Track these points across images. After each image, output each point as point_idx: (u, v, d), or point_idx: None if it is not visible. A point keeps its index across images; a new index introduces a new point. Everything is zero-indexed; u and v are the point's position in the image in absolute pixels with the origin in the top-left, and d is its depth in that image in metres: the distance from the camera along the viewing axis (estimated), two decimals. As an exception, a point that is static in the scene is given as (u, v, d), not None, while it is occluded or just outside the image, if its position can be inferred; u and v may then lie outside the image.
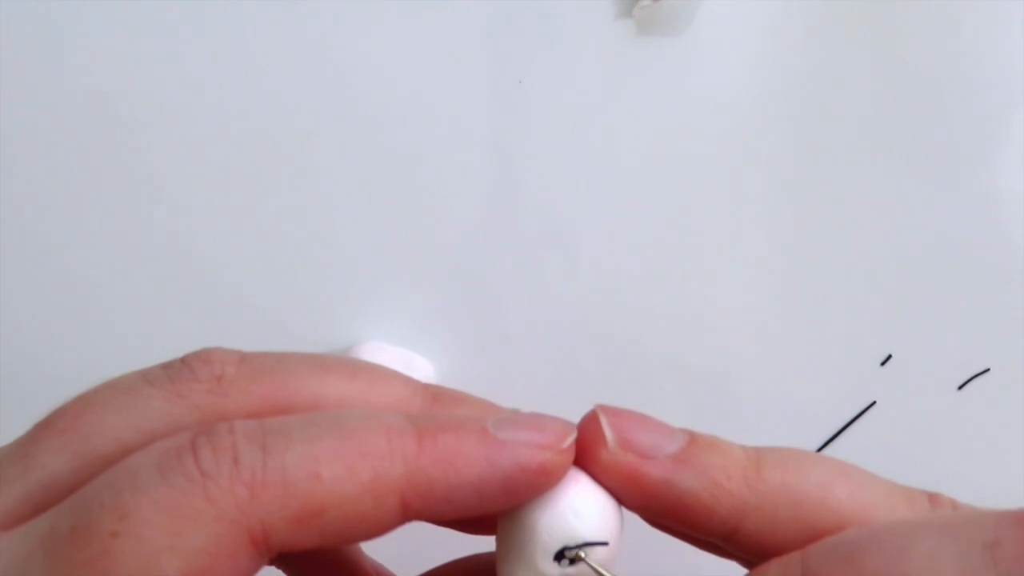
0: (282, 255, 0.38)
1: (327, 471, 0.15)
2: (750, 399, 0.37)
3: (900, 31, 0.38)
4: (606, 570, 0.17)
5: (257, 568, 0.15)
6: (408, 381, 0.18)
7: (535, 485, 0.16)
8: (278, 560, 0.22)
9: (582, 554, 0.17)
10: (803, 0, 0.38)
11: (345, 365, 0.18)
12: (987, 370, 0.36)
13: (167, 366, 0.17)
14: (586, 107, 0.39)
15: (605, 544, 0.17)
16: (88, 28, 0.38)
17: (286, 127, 0.38)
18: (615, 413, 0.17)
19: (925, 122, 0.38)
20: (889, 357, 0.37)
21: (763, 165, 0.38)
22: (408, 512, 0.15)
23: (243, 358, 0.18)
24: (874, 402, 0.36)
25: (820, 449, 0.36)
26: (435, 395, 0.18)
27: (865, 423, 0.36)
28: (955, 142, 0.38)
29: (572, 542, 0.17)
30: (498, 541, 0.18)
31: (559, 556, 0.17)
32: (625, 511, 0.18)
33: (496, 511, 0.17)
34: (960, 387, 0.36)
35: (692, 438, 0.17)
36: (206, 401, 0.17)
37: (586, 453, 0.17)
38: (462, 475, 0.15)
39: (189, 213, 0.38)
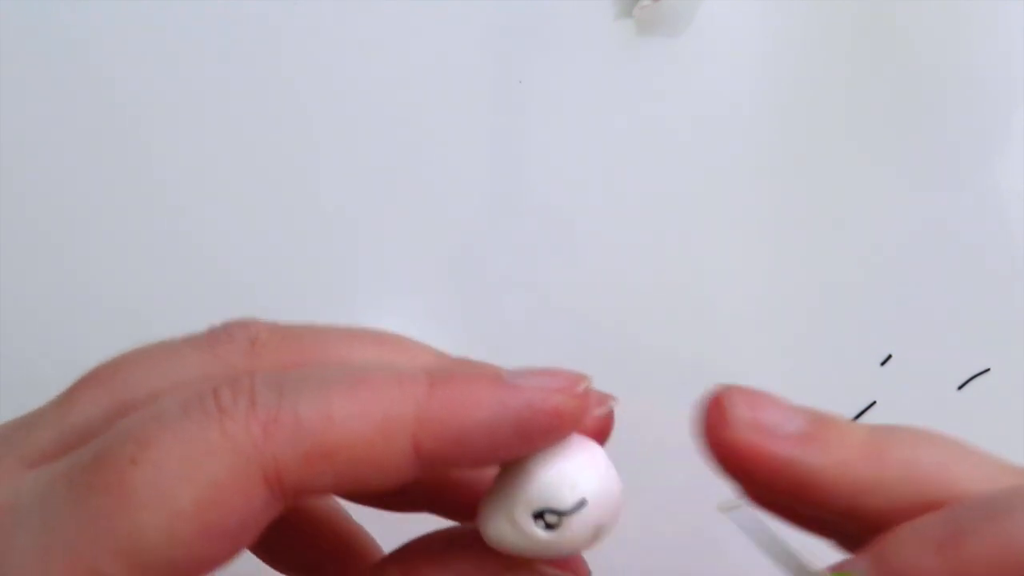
0: (282, 254, 0.38)
1: (339, 412, 0.15)
2: (750, 399, 0.37)
3: (900, 31, 0.38)
4: (587, 546, 0.17)
5: (271, 512, 0.15)
6: (435, 351, 0.19)
7: (548, 429, 0.16)
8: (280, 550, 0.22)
9: (555, 520, 0.16)
10: (803, 0, 0.38)
11: (374, 334, 0.19)
12: (987, 370, 0.36)
13: (207, 330, 0.18)
14: (586, 107, 0.39)
15: (585, 520, 0.17)
16: (89, 25, 0.38)
17: (285, 126, 0.38)
18: (739, 392, 0.18)
19: (925, 122, 0.38)
20: (889, 357, 0.37)
21: (763, 165, 0.38)
22: (421, 455, 0.15)
23: (277, 325, 0.18)
24: (874, 402, 0.36)
25: (820, 449, 0.36)
26: (461, 364, 0.19)
27: (865, 423, 0.36)
28: (956, 142, 0.38)
29: (558, 508, 0.16)
30: (489, 489, 0.17)
31: (539, 516, 0.17)
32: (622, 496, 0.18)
33: (508, 458, 0.17)
34: (960, 387, 0.36)
35: (816, 417, 0.18)
36: (239, 360, 0.18)
37: (710, 432, 0.18)
38: (474, 417, 0.15)
39: (189, 212, 0.38)
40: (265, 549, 0.22)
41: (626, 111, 0.38)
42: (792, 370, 0.37)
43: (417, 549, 0.18)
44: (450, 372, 0.16)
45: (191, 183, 0.38)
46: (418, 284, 0.38)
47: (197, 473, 0.15)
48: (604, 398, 0.18)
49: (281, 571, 0.23)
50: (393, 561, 0.18)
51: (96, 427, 0.17)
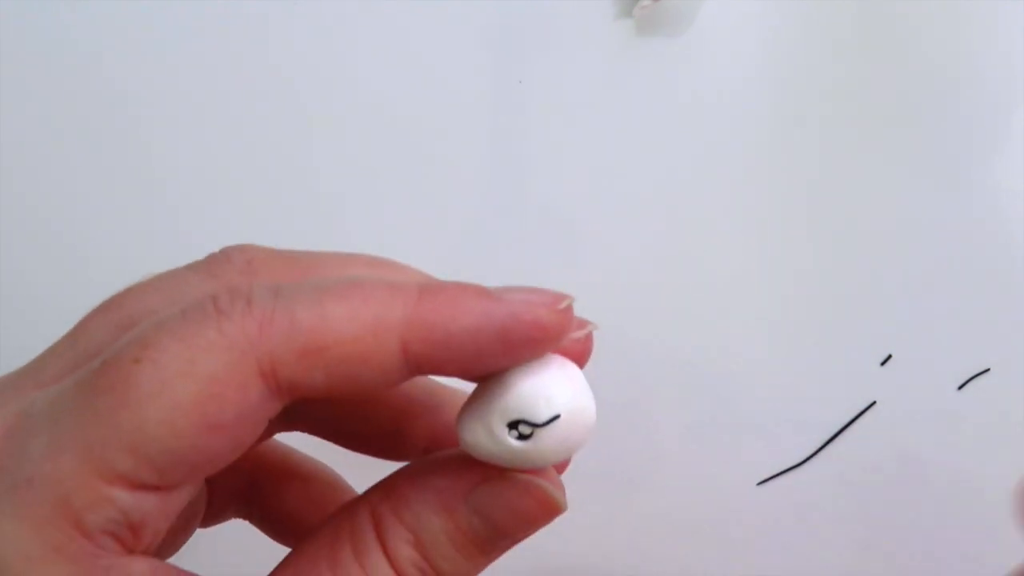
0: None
1: (331, 312, 0.16)
2: (750, 399, 0.37)
3: (900, 31, 0.39)
4: (556, 460, 0.18)
5: (270, 407, 0.16)
6: (426, 274, 0.20)
7: (529, 339, 0.17)
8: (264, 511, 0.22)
9: (528, 431, 0.17)
10: (803, 0, 0.38)
11: (367, 257, 0.20)
12: (987, 370, 0.36)
13: (207, 256, 0.19)
14: (586, 107, 0.39)
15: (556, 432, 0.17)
16: (90, 24, 0.38)
17: (285, 126, 0.39)
18: None
19: (925, 121, 0.38)
20: (889, 357, 0.37)
21: (763, 165, 0.38)
22: (408, 357, 0.16)
23: (273, 249, 0.19)
24: (874, 402, 0.36)
25: (820, 449, 0.36)
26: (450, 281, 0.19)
27: (865, 423, 0.36)
28: (956, 141, 0.38)
29: (532, 420, 0.17)
30: (469, 398, 0.18)
31: (513, 426, 0.17)
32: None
33: (492, 367, 0.17)
34: (960, 387, 0.36)
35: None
36: (237, 280, 0.18)
37: None
38: (459, 322, 0.16)
39: (187, 207, 0.38)
40: (259, 518, 0.23)
41: (626, 111, 0.38)
42: (792, 370, 0.37)
43: (397, 474, 0.19)
44: (439, 284, 0.17)
45: (192, 179, 0.38)
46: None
47: (196, 368, 0.15)
48: (584, 323, 0.18)
49: (281, 540, 0.23)
50: (375, 488, 0.19)
51: (103, 348, 0.17)
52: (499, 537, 0.18)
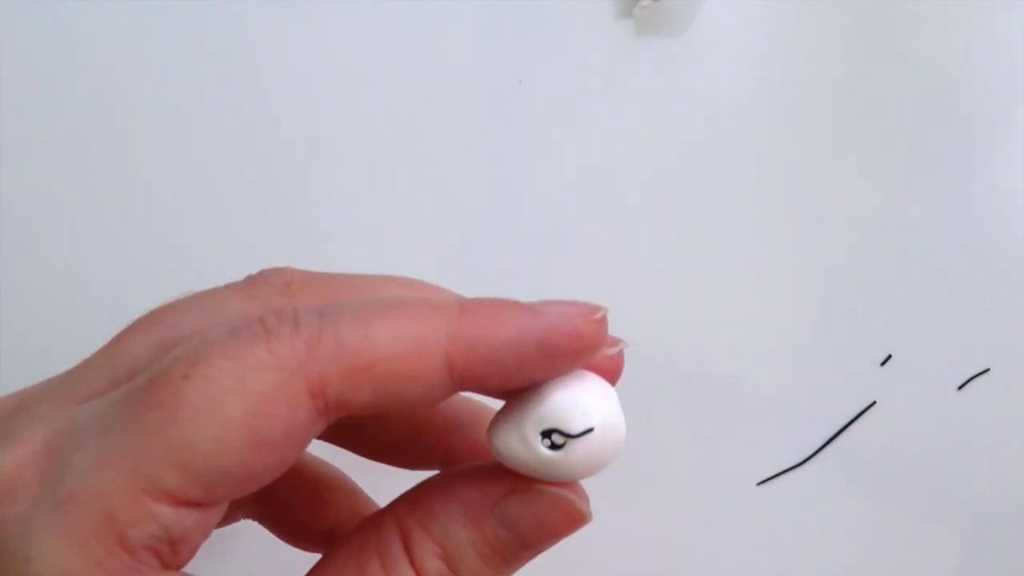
0: (282, 252, 0.38)
1: (376, 332, 0.16)
2: (749, 399, 0.37)
3: (900, 31, 0.39)
4: (585, 474, 0.18)
5: (316, 425, 0.16)
6: (458, 295, 0.20)
7: (568, 349, 0.17)
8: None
9: (561, 441, 0.17)
10: (803, 0, 0.38)
11: (402, 279, 0.20)
12: (987, 370, 0.36)
13: (245, 277, 0.20)
14: (586, 107, 0.39)
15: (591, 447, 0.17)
16: (88, 24, 0.38)
17: (284, 126, 0.39)
18: None
19: (925, 121, 0.38)
20: (889, 357, 0.37)
21: (763, 165, 0.38)
22: (454, 373, 0.17)
23: (309, 272, 0.20)
24: (874, 402, 0.36)
25: (820, 449, 0.36)
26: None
27: (865, 423, 0.36)
28: (956, 141, 0.38)
29: (567, 430, 0.17)
30: (503, 407, 0.18)
31: (547, 434, 0.17)
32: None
33: (533, 378, 0.18)
34: (960, 387, 0.36)
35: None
36: (275, 301, 0.19)
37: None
38: (501, 336, 0.17)
39: (186, 212, 0.38)
40: (270, 520, 0.23)
41: (626, 111, 0.38)
42: (792, 370, 0.37)
43: (422, 486, 0.19)
44: (478, 300, 0.17)
45: (188, 183, 0.38)
46: (418, 284, 0.38)
47: (246, 386, 0.15)
48: (616, 340, 0.19)
49: (292, 542, 0.23)
50: (401, 500, 0.19)
51: (144, 366, 0.17)
52: (524, 547, 0.18)
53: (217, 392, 0.15)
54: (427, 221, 0.38)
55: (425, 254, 0.38)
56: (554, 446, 0.17)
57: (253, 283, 0.19)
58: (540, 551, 0.19)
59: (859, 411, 0.36)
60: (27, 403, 0.17)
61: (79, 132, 0.38)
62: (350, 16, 0.39)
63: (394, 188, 0.38)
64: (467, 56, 0.39)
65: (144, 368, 0.17)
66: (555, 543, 0.19)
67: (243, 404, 0.15)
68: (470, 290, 0.39)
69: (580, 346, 0.17)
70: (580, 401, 0.18)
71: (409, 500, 0.19)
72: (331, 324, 0.16)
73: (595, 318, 0.17)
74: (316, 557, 0.24)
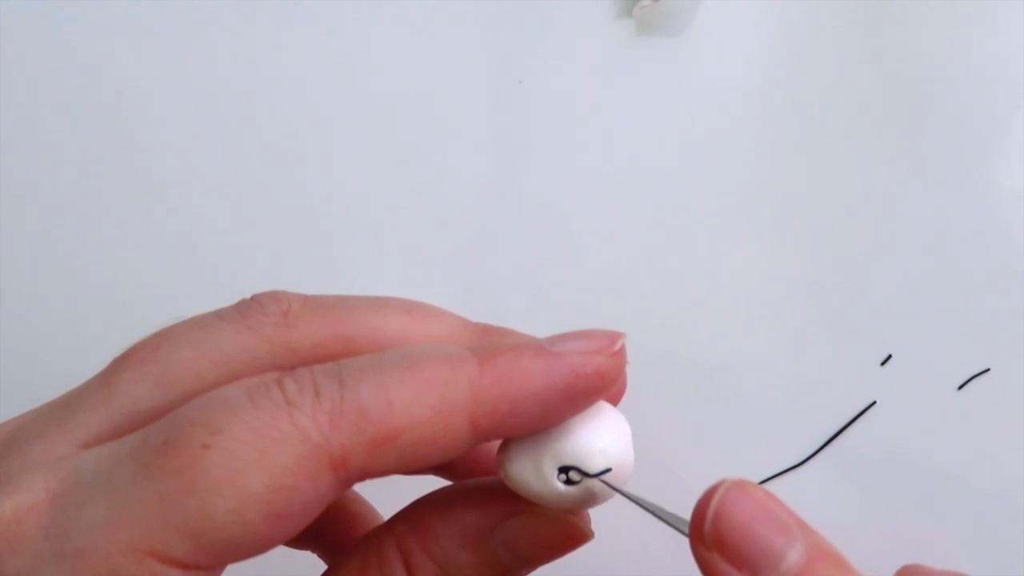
0: (282, 252, 0.38)
1: (397, 398, 0.16)
2: (750, 399, 0.37)
3: (900, 30, 0.39)
4: (588, 506, 0.18)
5: (335, 494, 0.16)
6: (458, 317, 0.20)
7: (592, 389, 0.17)
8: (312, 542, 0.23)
9: (577, 479, 0.17)
10: (803, 0, 0.38)
11: (400, 302, 0.20)
12: (987, 370, 0.36)
13: (238, 304, 0.19)
14: (586, 107, 0.39)
15: (605, 483, 0.18)
16: (87, 24, 0.38)
17: (286, 126, 0.39)
18: (739, 493, 0.18)
19: (925, 120, 0.38)
20: (889, 357, 0.37)
21: (763, 164, 0.38)
22: (478, 431, 0.16)
23: (307, 297, 0.19)
24: (874, 402, 0.36)
25: (820, 449, 0.36)
26: (483, 329, 0.20)
27: (865, 423, 0.36)
28: (955, 140, 0.38)
29: (586, 469, 0.17)
30: (520, 439, 0.18)
31: (564, 470, 0.17)
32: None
33: (557, 421, 0.17)
34: (960, 387, 0.36)
35: (817, 551, 0.17)
36: (274, 333, 0.18)
37: (694, 534, 0.18)
38: (524, 388, 0.16)
39: (187, 210, 0.38)
40: None
41: (626, 111, 0.38)
42: (792, 370, 0.37)
43: (422, 505, 0.19)
44: (494, 348, 0.17)
45: (191, 181, 0.38)
46: (418, 284, 0.38)
47: (267, 459, 0.15)
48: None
49: (291, 544, 0.23)
50: (401, 519, 0.19)
51: (145, 409, 0.17)
52: (523, 566, 0.18)
53: (238, 464, 0.15)
54: (427, 221, 0.38)
55: (425, 254, 0.38)
56: (569, 481, 0.17)
57: (248, 311, 0.19)
58: (538, 567, 0.19)
59: (859, 411, 0.36)
60: (18, 441, 0.17)
61: (79, 132, 0.38)
62: (350, 17, 0.39)
63: (394, 188, 0.38)
64: (467, 56, 0.39)
65: (145, 413, 0.17)
66: (555, 559, 0.19)
67: (264, 478, 0.15)
68: (471, 290, 0.39)
69: (603, 385, 0.17)
70: (600, 440, 0.18)
71: (410, 519, 0.19)
72: (351, 392, 0.16)
73: (615, 350, 0.17)
74: (313, 558, 0.24)
